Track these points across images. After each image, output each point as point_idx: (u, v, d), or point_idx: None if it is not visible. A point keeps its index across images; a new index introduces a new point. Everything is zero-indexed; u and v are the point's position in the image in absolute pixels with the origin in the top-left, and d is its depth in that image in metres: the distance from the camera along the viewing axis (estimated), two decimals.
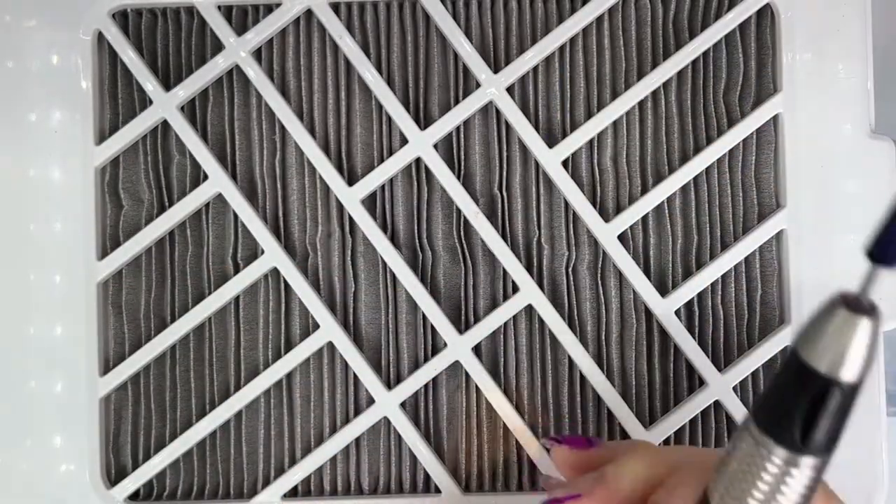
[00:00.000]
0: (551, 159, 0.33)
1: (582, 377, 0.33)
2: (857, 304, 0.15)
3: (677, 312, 0.33)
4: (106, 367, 0.33)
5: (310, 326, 0.33)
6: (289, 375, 0.33)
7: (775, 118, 0.33)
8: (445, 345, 0.33)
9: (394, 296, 0.33)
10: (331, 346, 0.33)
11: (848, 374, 0.15)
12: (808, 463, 0.16)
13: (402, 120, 0.33)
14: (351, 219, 0.33)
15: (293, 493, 0.33)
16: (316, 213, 0.33)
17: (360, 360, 0.33)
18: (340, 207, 0.33)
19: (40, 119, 0.33)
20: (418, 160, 0.33)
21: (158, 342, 0.33)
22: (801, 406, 0.16)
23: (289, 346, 0.33)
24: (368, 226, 0.33)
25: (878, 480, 0.32)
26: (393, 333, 0.33)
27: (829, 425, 0.16)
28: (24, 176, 0.33)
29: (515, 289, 0.33)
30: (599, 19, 0.33)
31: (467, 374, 0.33)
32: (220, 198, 0.33)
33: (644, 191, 0.33)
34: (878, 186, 0.33)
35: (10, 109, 0.33)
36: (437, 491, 0.33)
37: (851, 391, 0.16)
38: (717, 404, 0.33)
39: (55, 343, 0.33)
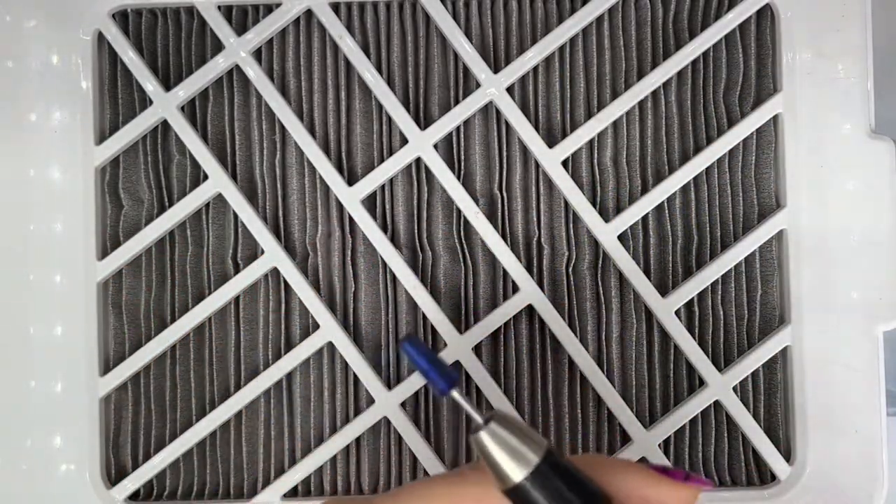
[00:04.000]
0: (551, 159, 0.33)
1: (582, 377, 0.33)
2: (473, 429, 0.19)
3: (677, 312, 0.33)
4: (106, 367, 0.33)
5: (310, 326, 0.33)
6: (289, 375, 0.33)
7: (775, 118, 0.33)
8: (445, 345, 0.33)
9: (394, 296, 0.33)
10: (331, 346, 0.33)
11: (511, 476, 0.19)
12: None
13: (402, 120, 0.33)
14: (351, 219, 0.33)
15: (293, 493, 0.33)
16: (316, 213, 0.33)
17: (360, 360, 0.33)
18: (340, 207, 0.33)
19: (40, 119, 0.33)
20: (418, 160, 0.33)
21: (158, 342, 0.33)
22: None
23: (289, 346, 0.33)
24: (368, 226, 0.33)
25: (878, 480, 0.32)
26: (393, 333, 0.33)
27: None
28: (24, 176, 0.33)
29: (515, 289, 0.33)
30: (599, 19, 0.33)
31: (467, 374, 0.33)
32: (220, 198, 0.33)
33: (644, 191, 0.33)
34: (878, 186, 0.33)
35: (10, 109, 0.33)
36: None
37: (530, 481, 0.19)
38: (716, 404, 0.33)
39: (55, 343, 0.33)
